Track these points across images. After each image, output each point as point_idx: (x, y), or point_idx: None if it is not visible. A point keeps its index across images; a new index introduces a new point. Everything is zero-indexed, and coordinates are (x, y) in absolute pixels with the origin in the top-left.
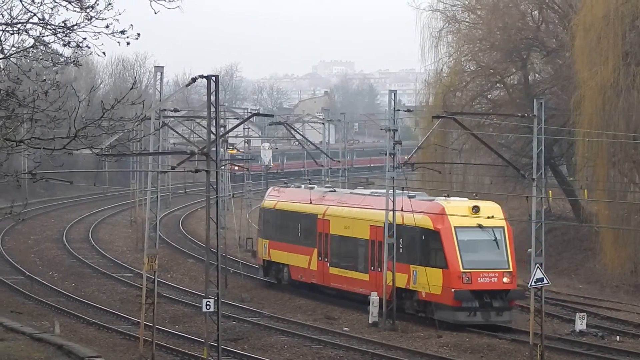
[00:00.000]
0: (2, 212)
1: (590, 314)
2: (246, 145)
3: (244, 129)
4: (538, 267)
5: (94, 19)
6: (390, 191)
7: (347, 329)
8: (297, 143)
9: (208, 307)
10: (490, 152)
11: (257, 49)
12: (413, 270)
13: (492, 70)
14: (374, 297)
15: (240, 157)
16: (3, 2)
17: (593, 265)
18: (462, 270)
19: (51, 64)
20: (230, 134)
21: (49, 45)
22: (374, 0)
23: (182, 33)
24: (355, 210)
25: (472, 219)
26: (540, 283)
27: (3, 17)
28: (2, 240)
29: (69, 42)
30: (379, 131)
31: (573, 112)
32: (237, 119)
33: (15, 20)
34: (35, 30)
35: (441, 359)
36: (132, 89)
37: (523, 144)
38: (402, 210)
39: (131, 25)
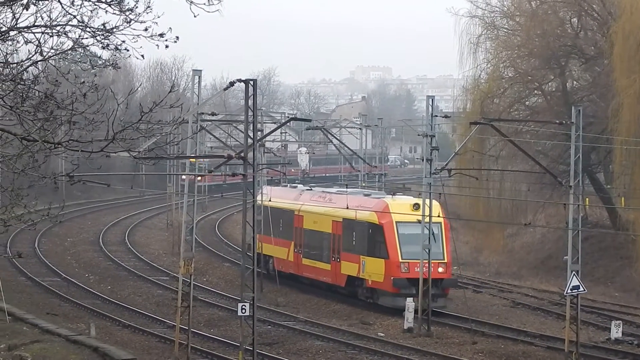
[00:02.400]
0: (39, 214)
1: (626, 322)
2: (283, 149)
3: (281, 133)
4: (574, 274)
5: (133, 21)
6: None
7: (382, 334)
8: (333, 148)
9: (244, 311)
10: (527, 159)
11: (295, 53)
12: (362, 260)
13: (530, 77)
14: (409, 303)
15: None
16: (42, 5)
17: (629, 273)
18: (400, 260)
19: (90, 67)
20: (267, 138)
21: (88, 48)
22: (413, 6)
23: (220, 37)
24: (322, 207)
25: (414, 215)
26: (576, 290)
27: (42, 19)
28: (39, 242)
29: (108, 45)
30: (416, 137)
31: (611, 120)
32: (275, 123)
33: (54, 23)
34: (75, 32)
35: None
36: (170, 92)
37: (560, 151)
38: (357, 208)
39: (170, 28)
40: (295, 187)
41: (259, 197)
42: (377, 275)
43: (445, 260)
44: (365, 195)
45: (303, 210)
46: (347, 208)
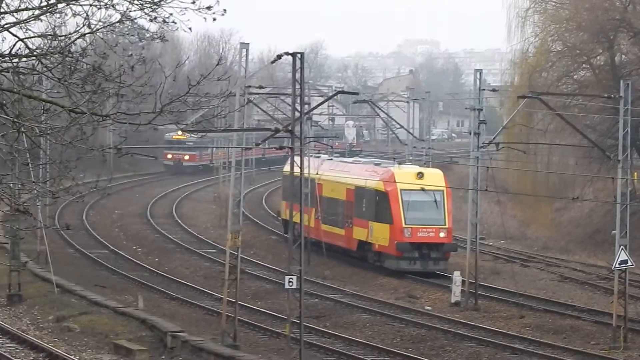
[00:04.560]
0: (87, 186)
1: None
2: (330, 122)
3: (328, 106)
4: (622, 249)
5: None
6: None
7: (429, 307)
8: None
9: (291, 284)
10: (575, 133)
11: (343, 27)
12: (370, 226)
13: (578, 51)
14: (456, 277)
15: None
16: None
17: None
18: (404, 225)
19: (137, 39)
20: (315, 111)
21: (136, 21)
22: None
23: (268, 10)
24: (338, 175)
25: (418, 183)
26: (624, 265)
27: None
28: (87, 215)
29: (156, 18)
30: (464, 110)
31: None
32: (322, 96)
33: None
34: (122, 5)
35: (524, 340)
36: (217, 65)
37: (609, 126)
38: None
39: (217, 0)
40: (319, 157)
41: (285, 167)
42: (383, 239)
43: (447, 226)
44: (376, 164)
45: (322, 179)
46: (359, 177)
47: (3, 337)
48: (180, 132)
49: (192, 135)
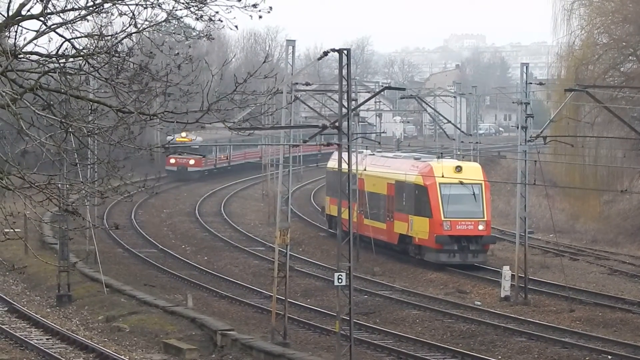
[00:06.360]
0: (135, 185)
1: None
2: (377, 118)
3: (375, 102)
4: None
5: None
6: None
7: (479, 303)
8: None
9: (340, 280)
10: (622, 125)
11: (389, 22)
12: (410, 219)
13: (624, 43)
14: (505, 272)
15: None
16: None
17: None
18: (443, 219)
19: (184, 38)
20: (362, 107)
21: (182, 19)
22: None
23: (314, 7)
24: (379, 170)
25: (456, 177)
26: None
27: None
28: (136, 214)
29: (202, 16)
30: (511, 104)
31: None
32: (369, 92)
33: None
34: (168, 4)
35: (574, 334)
36: (264, 62)
37: None
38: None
39: None
40: (361, 152)
41: (329, 162)
42: (422, 233)
43: (485, 219)
44: (416, 158)
45: (365, 174)
46: (399, 171)
47: (53, 338)
48: (184, 134)
49: (240, 133)
